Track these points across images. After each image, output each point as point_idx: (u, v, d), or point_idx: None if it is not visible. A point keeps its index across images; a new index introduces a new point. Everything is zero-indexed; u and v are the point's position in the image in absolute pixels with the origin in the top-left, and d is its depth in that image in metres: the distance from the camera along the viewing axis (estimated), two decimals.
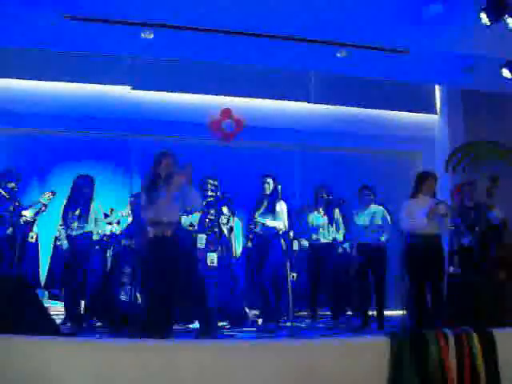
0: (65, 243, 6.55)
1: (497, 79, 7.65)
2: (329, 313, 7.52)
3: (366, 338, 4.22)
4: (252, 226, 7.10)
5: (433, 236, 6.16)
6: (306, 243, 7.47)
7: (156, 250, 5.22)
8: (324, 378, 3.17)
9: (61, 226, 6.62)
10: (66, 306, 6.64)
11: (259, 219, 6.94)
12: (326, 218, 7.32)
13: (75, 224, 6.54)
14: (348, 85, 9.13)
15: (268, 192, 7.03)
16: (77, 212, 6.57)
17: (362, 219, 7.07)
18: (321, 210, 7.35)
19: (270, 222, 6.91)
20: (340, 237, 7.40)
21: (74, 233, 6.53)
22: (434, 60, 7.75)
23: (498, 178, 6.86)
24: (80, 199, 6.66)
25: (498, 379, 3.17)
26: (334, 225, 7.32)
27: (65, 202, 6.69)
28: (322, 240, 7.30)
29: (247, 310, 7.46)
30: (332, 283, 7.35)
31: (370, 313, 7.04)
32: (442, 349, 3.21)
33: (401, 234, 6.81)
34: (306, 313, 7.76)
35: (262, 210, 7.01)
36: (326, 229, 7.28)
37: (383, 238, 7.00)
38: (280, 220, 6.92)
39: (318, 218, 7.36)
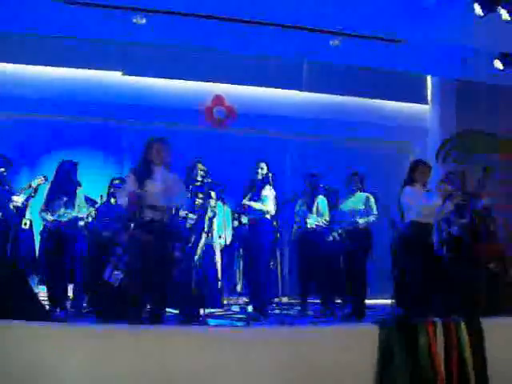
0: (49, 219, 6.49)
1: (489, 70, 7.67)
2: (318, 301, 7.54)
3: (356, 325, 4.25)
4: (238, 212, 7.09)
5: (431, 225, 6.23)
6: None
7: (152, 234, 5.18)
8: (313, 365, 3.19)
9: (43, 211, 6.56)
10: (52, 292, 6.62)
11: (245, 201, 6.93)
12: (305, 205, 7.32)
13: (62, 210, 6.49)
14: (340, 74, 9.12)
15: (260, 177, 7.01)
16: (64, 198, 6.53)
17: (348, 205, 7.09)
18: (319, 196, 7.36)
19: (255, 205, 6.88)
20: (321, 223, 7.34)
21: (62, 219, 6.48)
22: (428, 50, 7.76)
23: (490, 169, 6.88)
24: (65, 185, 6.61)
25: (485, 368, 3.21)
26: (315, 211, 7.30)
27: (48, 186, 6.64)
28: (308, 226, 7.29)
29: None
30: (319, 270, 7.34)
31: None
32: (430, 337, 3.24)
33: (391, 221, 6.84)
34: (294, 300, 7.79)
35: (250, 195, 6.99)
36: (309, 216, 7.26)
37: (362, 221, 6.97)
38: (266, 204, 6.90)
39: (300, 204, 7.39)
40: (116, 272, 5.42)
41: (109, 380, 3.03)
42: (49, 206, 6.50)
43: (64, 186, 6.58)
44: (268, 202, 6.90)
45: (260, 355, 3.17)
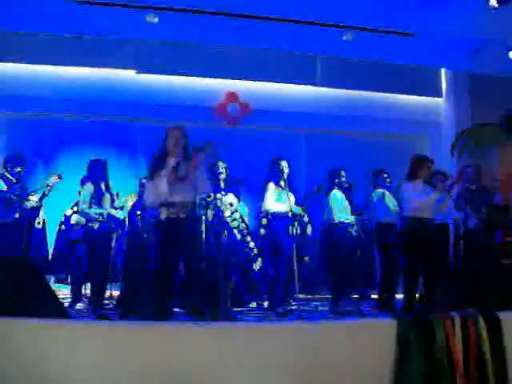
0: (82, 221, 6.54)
1: (504, 62, 7.62)
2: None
3: (373, 320, 4.24)
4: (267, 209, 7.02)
5: (429, 220, 6.21)
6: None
7: (168, 233, 4.99)
8: (330, 360, 3.18)
9: (78, 208, 6.62)
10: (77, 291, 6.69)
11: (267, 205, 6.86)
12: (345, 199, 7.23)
13: (98, 210, 6.54)
14: (354, 68, 9.10)
15: (285, 175, 6.91)
16: (107, 196, 6.60)
17: (388, 201, 7.10)
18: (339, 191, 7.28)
19: (276, 206, 6.84)
20: (352, 218, 7.28)
21: (99, 217, 6.53)
22: (441, 43, 7.73)
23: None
24: (100, 183, 6.67)
25: (505, 362, 3.19)
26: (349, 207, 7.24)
27: (89, 185, 6.64)
28: (341, 221, 7.22)
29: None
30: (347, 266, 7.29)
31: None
32: (448, 332, 3.22)
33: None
34: (311, 296, 7.79)
35: (279, 193, 6.89)
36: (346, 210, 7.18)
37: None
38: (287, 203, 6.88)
39: (336, 198, 7.26)
40: None
41: (116, 375, 3.04)
42: (95, 203, 6.54)
43: (103, 183, 6.65)
44: (288, 202, 6.87)
45: (273, 351, 3.17)
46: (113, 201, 6.82)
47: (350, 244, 7.15)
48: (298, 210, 6.95)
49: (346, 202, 7.19)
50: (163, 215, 5.03)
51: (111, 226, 6.74)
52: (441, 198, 6.27)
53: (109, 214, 6.61)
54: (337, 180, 7.23)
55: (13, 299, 3.58)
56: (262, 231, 7.33)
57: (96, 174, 6.70)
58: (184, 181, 5.02)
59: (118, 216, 6.84)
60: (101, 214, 6.53)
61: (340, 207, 7.11)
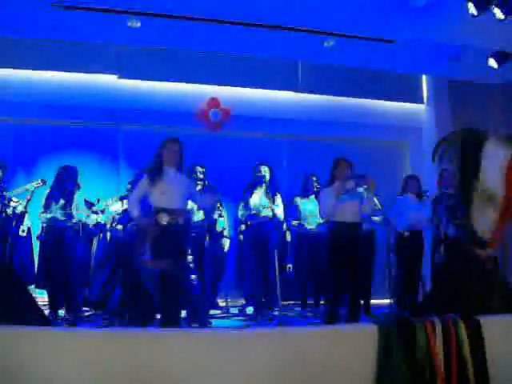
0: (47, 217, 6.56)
1: (483, 69, 7.70)
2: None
3: (355, 325, 4.25)
4: (249, 213, 7.06)
5: (351, 224, 6.12)
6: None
7: (168, 238, 5.16)
8: (313, 365, 3.19)
9: (42, 213, 6.65)
10: (52, 295, 6.64)
11: (273, 206, 6.90)
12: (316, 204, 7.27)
13: (59, 213, 6.54)
14: (335, 74, 9.13)
15: (266, 180, 7.00)
16: (61, 202, 6.59)
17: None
18: (311, 197, 7.36)
19: (277, 210, 6.92)
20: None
21: (59, 218, 6.54)
22: (422, 49, 7.79)
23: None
24: (64, 188, 6.69)
25: (486, 366, 3.21)
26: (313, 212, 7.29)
27: (47, 191, 6.73)
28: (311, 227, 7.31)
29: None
30: (320, 271, 7.34)
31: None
32: (429, 336, 3.24)
33: (386, 221, 6.90)
34: (293, 302, 7.79)
35: (261, 197, 6.95)
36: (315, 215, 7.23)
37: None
38: (278, 209, 6.96)
39: (305, 204, 7.38)
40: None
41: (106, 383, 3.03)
42: (47, 207, 6.55)
43: (62, 189, 6.65)
44: (280, 209, 6.96)
45: (258, 357, 3.17)
46: (91, 205, 6.85)
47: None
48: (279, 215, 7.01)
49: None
50: (163, 221, 5.18)
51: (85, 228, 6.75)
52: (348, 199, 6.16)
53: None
54: (312, 185, 7.34)
55: None
56: (241, 237, 7.37)
57: (59, 180, 6.74)
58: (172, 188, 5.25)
59: (99, 220, 6.86)
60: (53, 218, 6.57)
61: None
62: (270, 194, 6.95)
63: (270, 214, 6.96)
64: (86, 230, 6.98)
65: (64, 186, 6.72)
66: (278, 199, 7.00)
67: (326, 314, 6.13)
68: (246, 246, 7.24)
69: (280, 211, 6.97)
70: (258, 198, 6.96)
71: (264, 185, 7.00)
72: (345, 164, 6.32)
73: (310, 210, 7.35)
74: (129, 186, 6.95)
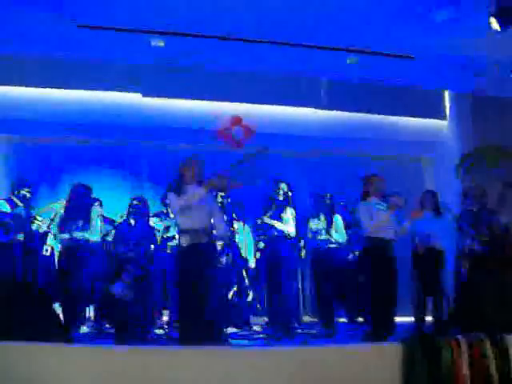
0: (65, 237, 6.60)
1: (506, 84, 7.65)
2: (342, 319, 7.49)
3: (378, 344, 4.20)
4: (260, 230, 7.07)
5: (387, 240, 6.14)
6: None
7: (192, 259, 5.15)
8: (337, 383, 3.16)
9: (60, 232, 6.67)
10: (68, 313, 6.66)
11: (266, 220, 6.91)
12: (325, 222, 7.23)
13: (77, 232, 6.57)
14: (357, 91, 9.12)
15: (280, 197, 7.01)
16: (80, 221, 6.61)
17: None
18: (321, 216, 7.30)
19: (278, 225, 6.89)
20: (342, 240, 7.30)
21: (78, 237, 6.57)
22: (444, 65, 7.75)
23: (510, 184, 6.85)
24: (79, 207, 6.70)
25: None
26: (334, 230, 7.24)
27: (62, 210, 6.75)
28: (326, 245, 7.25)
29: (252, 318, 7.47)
30: (341, 289, 7.30)
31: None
32: (454, 355, 3.19)
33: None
34: (315, 319, 7.73)
35: (269, 214, 6.97)
36: (325, 234, 7.19)
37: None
38: (288, 225, 6.91)
39: (317, 223, 7.33)
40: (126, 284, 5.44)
41: None
42: (64, 227, 6.58)
43: (78, 209, 6.66)
44: (289, 224, 6.91)
45: (280, 375, 3.15)
46: (112, 222, 6.91)
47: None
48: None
49: (338, 226, 7.22)
50: (185, 242, 5.18)
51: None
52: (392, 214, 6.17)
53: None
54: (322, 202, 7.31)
55: (15, 322, 3.57)
56: (258, 254, 7.36)
57: (76, 198, 6.74)
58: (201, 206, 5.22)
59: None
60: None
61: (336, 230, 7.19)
62: (277, 210, 6.95)
63: (293, 232, 6.94)
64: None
65: (78, 206, 6.72)
66: (287, 215, 6.97)
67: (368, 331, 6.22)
68: (263, 264, 7.24)
69: (288, 227, 6.92)
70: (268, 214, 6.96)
71: (282, 203, 7.01)
72: (380, 180, 6.37)
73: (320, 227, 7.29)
74: (135, 202, 6.96)
